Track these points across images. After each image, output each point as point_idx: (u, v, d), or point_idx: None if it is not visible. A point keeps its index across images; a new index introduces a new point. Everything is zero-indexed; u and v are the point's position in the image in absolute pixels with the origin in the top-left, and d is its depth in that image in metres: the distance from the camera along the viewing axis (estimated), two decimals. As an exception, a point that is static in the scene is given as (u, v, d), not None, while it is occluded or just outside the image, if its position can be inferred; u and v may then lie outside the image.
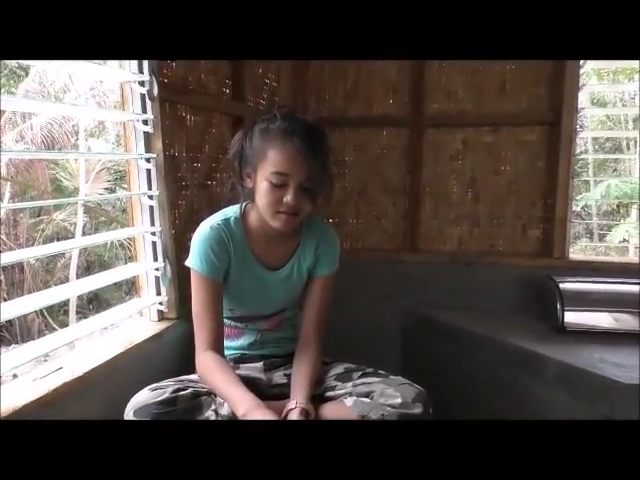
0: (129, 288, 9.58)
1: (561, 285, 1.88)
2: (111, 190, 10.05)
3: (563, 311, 1.81)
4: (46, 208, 9.28)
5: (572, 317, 1.82)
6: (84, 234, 9.06)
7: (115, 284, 9.28)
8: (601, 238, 8.76)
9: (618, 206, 9.05)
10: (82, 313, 9.07)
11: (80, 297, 9.10)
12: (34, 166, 8.60)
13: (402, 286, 2.19)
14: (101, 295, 9.35)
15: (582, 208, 8.70)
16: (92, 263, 9.82)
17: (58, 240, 8.98)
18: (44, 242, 8.80)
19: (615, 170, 9.56)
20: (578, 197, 7.53)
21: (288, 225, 1.13)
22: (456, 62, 2.12)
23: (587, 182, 8.00)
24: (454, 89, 2.15)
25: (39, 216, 9.53)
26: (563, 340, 1.76)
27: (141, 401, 0.98)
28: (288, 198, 1.08)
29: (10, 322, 8.53)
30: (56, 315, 8.97)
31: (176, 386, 1.03)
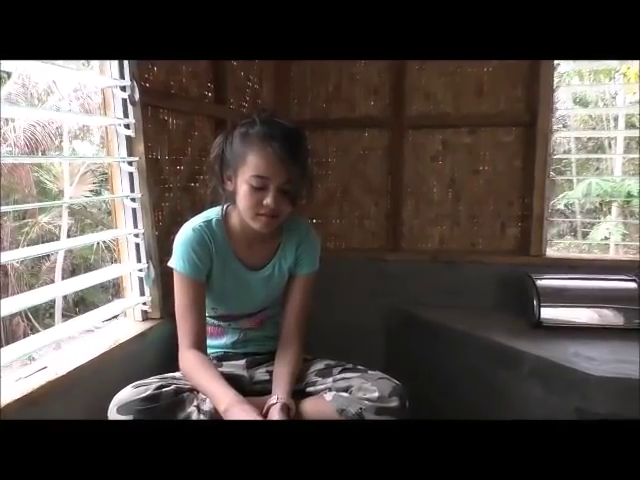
0: (116, 290, 9.53)
1: (538, 282, 1.93)
2: (96, 192, 9.98)
3: (539, 307, 1.86)
4: (30, 211, 9.20)
5: (548, 313, 1.87)
6: (69, 237, 9.00)
7: (101, 286, 9.23)
8: (585, 235, 8.89)
9: (600, 204, 9.19)
10: (68, 316, 9.00)
11: (66, 300, 9.04)
12: (17, 169, 8.52)
13: (385, 284, 2.23)
14: (87, 298, 9.30)
15: (565, 206, 8.83)
16: (78, 266, 9.75)
17: (43, 242, 8.91)
18: (28, 245, 8.72)
19: (597, 169, 9.71)
20: (560, 195, 7.64)
21: (268, 227, 1.16)
22: (435, 65, 2.17)
23: (570, 181, 8.12)
24: (433, 91, 2.20)
25: (23, 219, 9.44)
26: (539, 335, 1.81)
27: (124, 398, 1.01)
28: (268, 201, 1.12)
29: (-6, 326, 8.46)
30: (42, 319, 8.90)
31: (159, 383, 1.06)
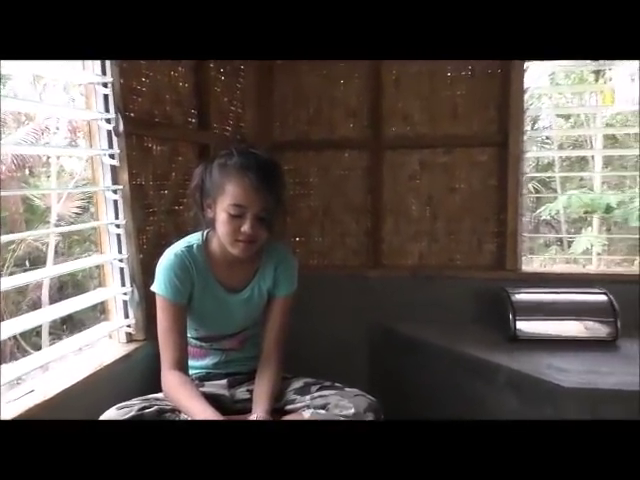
0: (103, 308, 9.43)
1: (513, 296, 2.00)
2: (84, 209, 9.94)
3: (515, 321, 1.93)
4: (18, 228, 9.15)
5: (523, 326, 1.93)
6: (57, 253, 8.96)
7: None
8: (571, 244, 9.02)
9: (586, 213, 9.35)
10: (56, 334, 8.92)
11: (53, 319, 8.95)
12: (4, 185, 8.48)
13: (367, 301, 2.29)
14: (75, 316, 9.22)
15: (551, 217, 8.96)
16: (65, 283, 9.68)
17: (30, 260, 8.86)
18: (15, 263, 8.67)
19: (582, 179, 9.88)
20: (542, 208, 7.78)
21: (246, 252, 1.22)
22: (411, 87, 2.25)
23: (555, 190, 8.28)
24: (410, 113, 2.28)
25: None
26: (515, 348, 1.87)
27: (109, 419, 1.06)
28: (245, 227, 1.18)
29: (-19, 346, 8.35)
30: (29, 337, 8.81)
31: (142, 404, 1.11)
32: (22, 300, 8.87)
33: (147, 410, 1.09)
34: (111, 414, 1.07)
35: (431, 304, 2.21)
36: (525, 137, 2.18)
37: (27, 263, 9.23)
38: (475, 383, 1.83)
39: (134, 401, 1.14)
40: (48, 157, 9.33)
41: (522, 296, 2.02)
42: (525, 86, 2.14)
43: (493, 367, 1.77)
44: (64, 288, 9.33)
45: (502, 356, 1.80)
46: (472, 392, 1.83)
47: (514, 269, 2.20)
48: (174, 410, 1.15)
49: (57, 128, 8.33)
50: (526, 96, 2.17)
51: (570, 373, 1.63)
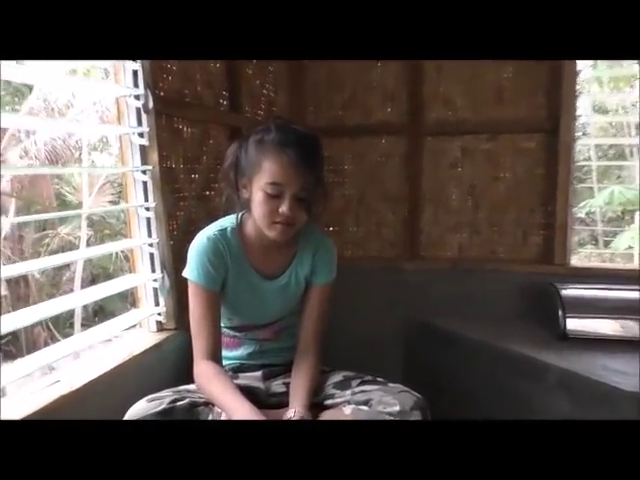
0: (134, 299, 9.58)
1: (562, 292, 1.87)
2: (114, 203, 10.09)
3: (565, 318, 1.80)
4: (50, 222, 9.34)
5: (574, 324, 1.81)
6: (89, 246, 9.10)
7: (120, 296, 9.31)
8: (606, 244, 8.71)
9: (623, 212, 9.02)
10: (87, 325, 9.07)
11: (85, 309, 9.12)
12: (38, 181, 8.67)
13: (403, 294, 2.19)
14: (107, 307, 9.37)
15: (587, 215, 8.67)
16: (97, 276, 9.83)
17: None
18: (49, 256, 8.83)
19: (619, 177, 9.53)
20: (582, 204, 7.49)
21: (284, 235, 1.14)
22: (453, 70, 2.13)
23: (591, 189, 7.97)
24: (452, 98, 2.17)
25: (44, 230, 9.57)
26: (565, 347, 1.75)
27: (138, 412, 0.98)
28: (283, 208, 1.09)
29: (16, 336, 8.56)
30: (62, 328, 8.99)
31: (174, 397, 1.03)
32: (56, 292, 9.06)
33: (179, 403, 1.02)
34: (141, 407, 1.00)
35: (471, 299, 2.10)
36: (577, 123, 2.04)
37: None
38: (520, 383, 1.71)
39: (165, 393, 1.06)
40: (80, 153, 9.50)
41: (572, 292, 1.89)
42: (578, 68, 2.00)
43: (542, 366, 1.65)
44: (96, 281, 9.48)
45: (551, 355, 1.68)
46: (516, 392, 1.72)
47: (563, 263, 2.06)
48: (207, 403, 1.07)
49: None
50: (578, 79, 2.03)
51: (628, 375, 1.50)
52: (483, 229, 2.21)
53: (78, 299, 1.24)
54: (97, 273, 9.94)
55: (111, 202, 9.89)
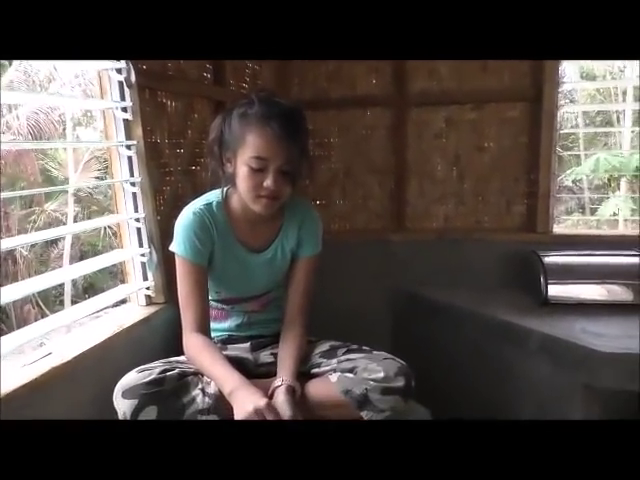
0: (124, 277, 9.56)
1: (544, 259, 1.91)
2: (101, 179, 9.99)
3: (547, 284, 1.84)
4: (37, 199, 9.23)
5: (555, 290, 1.85)
6: (76, 223, 9.03)
7: (110, 272, 9.29)
8: (593, 212, 8.81)
9: (609, 180, 9.09)
10: (78, 302, 9.05)
11: (75, 287, 9.11)
12: (22, 157, 8.54)
13: (390, 265, 2.22)
14: (96, 284, 9.36)
15: (573, 182, 8.72)
16: (86, 253, 9.80)
17: (50, 231, 8.93)
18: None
19: (605, 144, 9.57)
20: (568, 171, 7.53)
21: (269, 209, 1.15)
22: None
23: (578, 156, 8.01)
24: (436, 67, 2.15)
25: (30, 207, 9.48)
26: (547, 313, 1.79)
27: (129, 382, 1.01)
28: (268, 182, 1.10)
29: (6, 314, 8.55)
30: (52, 305, 8.99)
31: (164, 367, 1.06)
32: (44, 270, 9.02)
33: (169, 373, 1.04)
34: (132, 377, 1.02)
35: (457, 268, 2.13)
36: (562, 91, 2.05)
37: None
38: (504, 348, 1.76)
39: (155, 364, 1.09)
40: (64, 128, 9.33)
41: (553, 259, 1.93)
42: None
43: (524, 331, 1.69)
44: (84, 258, 9.43)
45: (533, 320, 1.72)
46: (500, 358, 1.77)
47: (546, 231, 2.10)
48: (196, 373, 1.10)
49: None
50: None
51: (606, 338, 1.55)
52: (468, 199, 2.23)
53: (68, 273, 1.25)
54: (86, 250, 9.90)
55: (97, 178, 9.79)
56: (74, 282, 8.91)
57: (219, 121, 1.17)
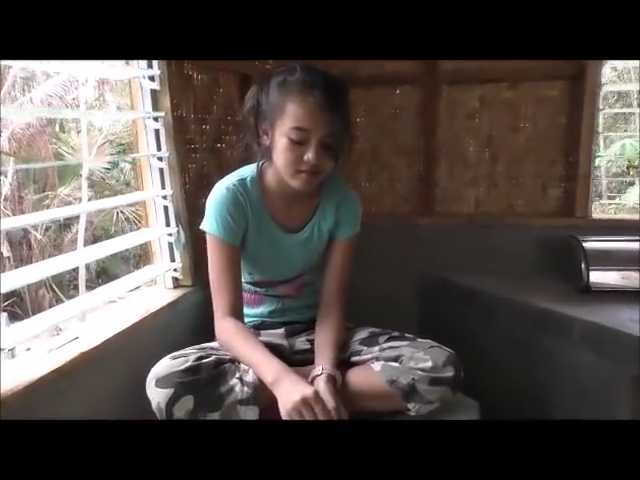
0: (136, 262, 9.60)
1: (585, 244, 1.81)
2: (114, 164, 9.98)
3: (588, 270, 1.75)
4: (50, 183, 9.23)
5: (598, 277, 1.76)
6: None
7: (123, 257, 9.30)
8: (611, 199, 8.62)
9: (628, 167, 8.89)
10: (92, 287, 9.10)
11: (89, 271, 9.13)
12: (36, 140, 8.52)
13: (418, 250, 2.13)
14: (109, 269, 9.38)
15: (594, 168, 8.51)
16: (99, 237, 9.81)
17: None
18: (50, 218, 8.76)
19: (625, 130, 9.34)
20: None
21: (308, 185, 1.07)
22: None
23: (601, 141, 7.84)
24: (470, 42, 2.05)
25: (44, 192, 9.48)
26: (589, 300, 1.70)
27: (163, 370, 0.94)
28: (309, 155, 1.02)
29: (21, 298, 8.59)
30: (66, 290, 9.02)
31: (198, 354, 0.99)
32: (58, 254, 9.03)
33: (204, 360, 0.97)
34: (165, 364, 0.95)
35: (489, 254, 2.04)
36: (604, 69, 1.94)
37: (61, 219, 9.37)
38: (543, 337, 1.67)
39: (189, 350, 1.02)
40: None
41: (595, 244, 1.83)
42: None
43: (565, 320, 1.61)
44: (98, 242, 9.44)
45: (574, 308, 1.63)
46: (538, 347, 1.68)
47: (584, 216, 2.00)
48: (233, 361, 1.03)
49: (86, 80, 8.21)
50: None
51: (656, 327, 1.46)
52: (501, 182, 2.13)
53: (94, 252, 1.17)
54: (99, 235, 9.91)
55: (110, 162, 9.77)
56: (87, 267, 8.92)
57: (255, 90, 1.08)
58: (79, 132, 9.27)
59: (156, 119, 1.23)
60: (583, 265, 1.76)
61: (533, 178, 2.10)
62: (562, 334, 1.61)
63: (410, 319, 2.11)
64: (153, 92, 1.22)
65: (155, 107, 1.23)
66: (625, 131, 9.34)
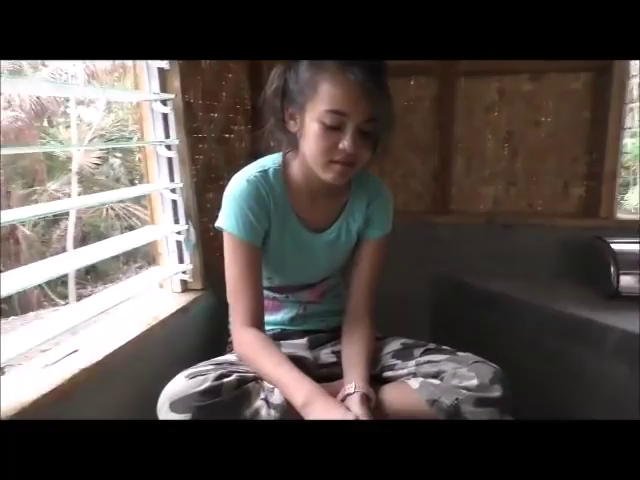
0: (127, 259, 9.41)
1: (614, 246, 1.71)
2: (104, 159, 9.80)
3: (618, 275, 1.65)
4: (39, 178, 9.03)
5: (628, 281, 1.65)
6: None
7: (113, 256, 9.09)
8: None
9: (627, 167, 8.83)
10: (81, 284, 8.92)
11: (78, 268, 8.92)
12: (24, 135, 8.31)
13: (432, 250, 2.02)
14: (99, 266, 9.17)
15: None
16: (88, 234, 9.61)
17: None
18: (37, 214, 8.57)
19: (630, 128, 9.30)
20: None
21: (342, 177, 0.94)
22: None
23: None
24: (490, 32, 1.94)
25: (32, 187, 9.26)
26: (619, 306, 1.59)
27: (179, 391, 0.80)
28: (345, 143, 0.89)
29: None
30: (55, 286, 8.81)
31: (218, 372, 0.85)
32: (46, 250, 8.84)
33: (226, 380, 0.83)
34: (181, 385, 0.81)
35: (507, 255, 1.93)
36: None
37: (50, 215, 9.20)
38: (570, 345, 1.57)
39: (205, 367, 0.88)
40: (67, 107, 9.09)
41: (624, 246, 1.73)
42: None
43: (595, 327, 1.50)
44: (86, 239, 9.26)
45: (604, 314, 1.53)
46: (567, 355, 1.58)
47: (609, 216, 1.89)
48: (256, 378, 0.90)
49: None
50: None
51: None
52: (521, 180, 2.03)
53: (98, 252, 1.03)
54: (88, 231, 9.71)
55: (100, 158, 9.59)
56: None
57: (283, 68, 0.95)
58: (67, 127, 9.08)
59: (164, 102, 1.09)
60: (612, 269, 1.65)
61: (554, 176, 2.00)
62: (593, 342, 1.51)
63: (424, 323, 2.00)
64: (161, 71, 1.08)
65: (163, 89, 1.09)
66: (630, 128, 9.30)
